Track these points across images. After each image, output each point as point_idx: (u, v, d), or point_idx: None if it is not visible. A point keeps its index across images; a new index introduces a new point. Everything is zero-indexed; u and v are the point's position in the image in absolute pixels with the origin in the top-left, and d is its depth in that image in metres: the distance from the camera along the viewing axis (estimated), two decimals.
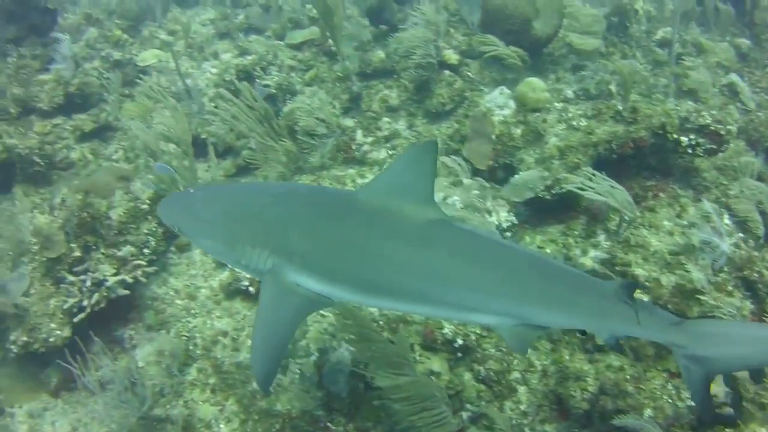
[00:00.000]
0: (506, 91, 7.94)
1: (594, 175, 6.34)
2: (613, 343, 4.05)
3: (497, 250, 3.99)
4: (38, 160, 8.79)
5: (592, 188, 6.25)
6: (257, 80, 8.70)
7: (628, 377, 5.67)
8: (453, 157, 7.25)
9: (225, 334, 6.70)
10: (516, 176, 7.08)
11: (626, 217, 6.35)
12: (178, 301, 7.15)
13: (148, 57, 10.15)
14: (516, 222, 6.80)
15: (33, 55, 10.20)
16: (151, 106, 8.84)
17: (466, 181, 6.90)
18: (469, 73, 8.44)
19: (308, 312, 4.11)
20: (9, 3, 10.16)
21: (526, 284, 3.93)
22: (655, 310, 4.09)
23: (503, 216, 6.68)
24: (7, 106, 9.48)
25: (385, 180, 3.88)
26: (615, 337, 4.02)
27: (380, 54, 8.79)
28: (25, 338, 6.60)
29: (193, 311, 7.04)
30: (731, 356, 4.00)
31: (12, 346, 6.63)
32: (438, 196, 6.59)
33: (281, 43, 9.63)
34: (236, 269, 4.83)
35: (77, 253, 6.83)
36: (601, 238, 6.75)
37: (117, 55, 10.17)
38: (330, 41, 8.87)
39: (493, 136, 7.46)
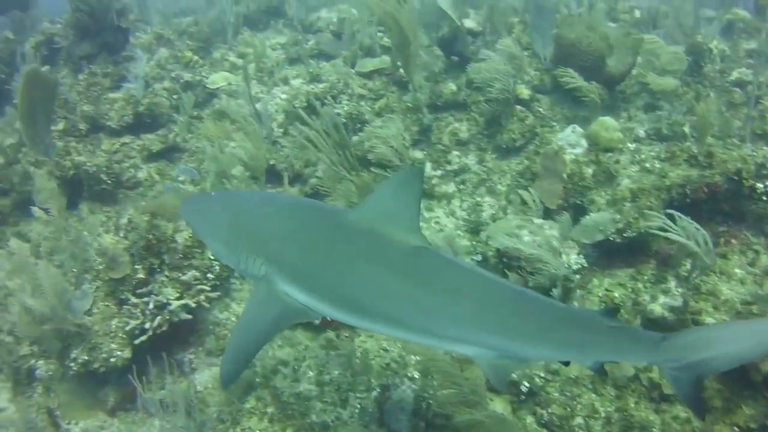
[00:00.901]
0: (579, 129, 8.06)
1: (679, 217, 6.28)
2: (596, 368, 4.07)
3: (477, 280, 4.06)
4: (105, 178, 9.05)
5: (676, 230, 6.22)
6: (326, 107, 8.91)
7: (695, 430, 5.73)
8: (531, 191, 7.39)
9: (285, 363, 6.83)
10: (586, 217, 7.17)
11: (702, 264, 6.34)
12: None
13: (217, 80, 10.46)
14: (585, 264, 6.86)
15: (104, 72, 10.43)
16: (230, 128, 9.13)
17: (537, 220, 7.03)
18: (541, 109, 8.59)
19: (290, 320, 4.33)
20: (86, 20, 10.53)
21: (504, 316, 4.01)
22: (638, 333, 4.26)
23: (573, 258, 6.75)
24: (77, 123, 9.75)
25: (374, 203, 4.05)
26: (599, 363, 4.07)
27: (451, 86, 8.99)
28: (85, 357, 6.81)
29: None
30: (719, 356, 4.03)
31: (72, 364, 6.83)
32: (510, 236, 6.76)
33: (352, 70, 9.85)
34: (236, 272, 5.15)
35: (141, 275, 7.04)
36: (672, 284, 6.78)
37: (187, 76, 10.48)
38: (401, 71, 9.12)
39: (564, 175, 7.59)
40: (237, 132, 8.81)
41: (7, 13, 12.66)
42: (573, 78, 8.26)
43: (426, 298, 3.97)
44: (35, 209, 8.18)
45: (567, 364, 4.48)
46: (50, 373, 7.14)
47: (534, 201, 7.22)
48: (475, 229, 7.70)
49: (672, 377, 4.14)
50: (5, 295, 8.17)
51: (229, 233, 4.44)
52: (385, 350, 6.81)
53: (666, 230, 6.27)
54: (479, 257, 7.12)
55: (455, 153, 8.47)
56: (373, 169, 8.13)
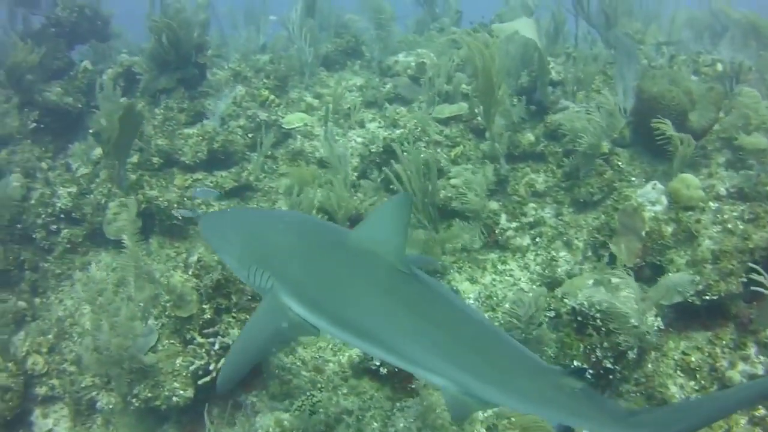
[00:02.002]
0: (659, 186, 8.12)
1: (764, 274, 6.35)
2: (561, 430, 4.07)
3: (452, 312, 4.27)
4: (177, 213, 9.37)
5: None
6: (405, 154, 9.17)
7: None
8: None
9: (350, 413, 7.01)
10: (665, 277, 7.22)
11: None
12: (304, 373, 7.52)
13: (293, 120, 10.74)
14: (662, 326, 6.91)
15: (180, 107, 10.82)
16: (317, 172, 9.42)
17: (615, 279, 7.17)
18: (619, 163, 8.72)
19: (291, 333, 4.59)
20: (170, 53, 11.02)
21: (469, 354, 4.12)
22: (603, 402, 4.12)
23: (650, 320, 6.78)
24: (151, 157, 10.12)
25: (370, 225, 4.34)
26: (564, 426, 4.05)
27: (529, 136, 9.22)
28: (148, 393, 7.06)
29: (319, 385, 7.37)
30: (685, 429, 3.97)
31: (134, 399, 7.10)
32: (582, 295, 6.95)
33: (428, 116, 10.07)
34: (246, 285, 5.50)
35: (208, 315, 7.27)
36: (752, 350, 6.84)
37: (263, 115, 10.77)
38: (479, 118, 9.38)
39: (643, 233, 7.67)
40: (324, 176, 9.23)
41: (86, 43, 13.23)
42: (668, 127, 8.22)
43: (403, 323, 4.21)
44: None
45: None
46: (111, 405, 7.50)
47: (620, 259, 7.43)
48: (549, 284, 7.88)
49: None
50: (71, 324, 8.67)
51: (240, 248, 4.79)
52: None
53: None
54: (552, 313, 7.29)
55: (531, 205, 8.70)
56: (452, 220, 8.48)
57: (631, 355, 6.62)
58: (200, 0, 12.05)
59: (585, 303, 6.91)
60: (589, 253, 8.00)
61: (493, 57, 8.30)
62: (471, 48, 8.40)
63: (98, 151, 10.29)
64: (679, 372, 6.75)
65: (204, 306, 7.31)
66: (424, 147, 9.30)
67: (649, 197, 8.05)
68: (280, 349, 7.38)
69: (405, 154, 8.45)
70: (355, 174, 9.58)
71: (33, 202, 9.99)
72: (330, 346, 7.83)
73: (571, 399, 3.93)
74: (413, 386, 7.12)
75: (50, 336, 8.63)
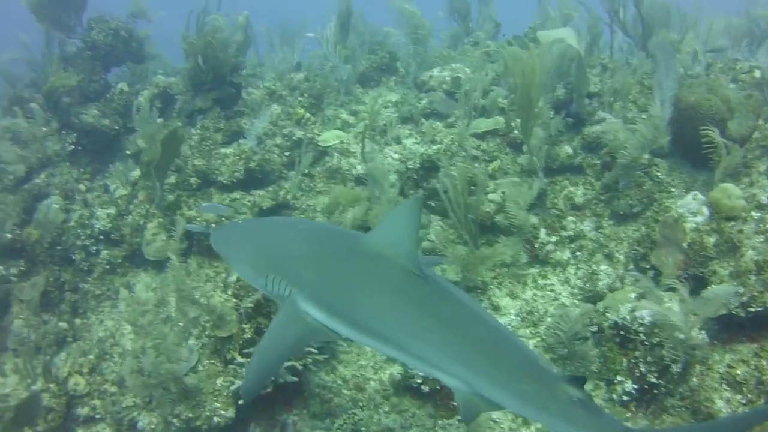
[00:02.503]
0: (700, 196, 8.11)
1: None
2: None
3: (463, 313, 4.37)
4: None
5: None
6: (442, 169, 9.27)
7: None
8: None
9: (391, 431, 7.10)
10: (708, 290, 7.17)
11: None
12: (345, 391, 7.61)
13: (329, 138, 10.84)
14: (706, 339, 6.90)
15: (216, 127, 11.00)
16: (360, 194, 9.48)
17: (658, 291, 7.18)
18: (659, 174, 8.71)
19: (311, 339, 4.90)
20: (206, 74, 11.21)
21: (477, 355, 4.24)
22: (601, 414, 4.13)
23: (694, 333, 6.75)
24: (188, 177, 10.28)
25: (383, 230, 4.49)
26: None
27: (567, 149, 9.24)
28: (189, 414, 7.13)
29: (360, 403, 7.48)
30: None
31: (174, 420, 7.17)
32: (625, 308, 6.98)
33: (465, 131, 10.08)
34: (263, 293, 5.63)
35: (249, 335, 7.33)
36: None
37: (299, 133, 10.89)
38: (515, 132, 9.45)
39: (685, 245, 7.67)
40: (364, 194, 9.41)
41: (122, 65, 13.47)
42: (715, 134, 8.19)
43: (416, 324, 4.34)
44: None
45: None
46: (152, 426, 7.56)
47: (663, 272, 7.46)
48: (590, 298, 7.91)
49: None
50: (111, 345, 8.83)
51: (255, 257, 4.94)
52: (495, 422, 7.04)
53: None
54: (594, 328, 7.30)
55: (570, 218, 8.73)
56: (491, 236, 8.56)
57: (676, 369, 6.62)
58: (240, 19, 12.26)
59: (628, 317, 6.94)
60: (631, 266, 7.99)
61: (534, 70, 8.40)
62: (512, 60, 8.47)
63: (136, 173, 10.47)
64: (725, 386, 6.70)
65: (244, 326, 7.39)
66: (462, 162, 9.33)
67: (690, 208, 8.04)
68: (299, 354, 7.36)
69: (450, 169, 8.58)
70: (393, 190, 9.63)
71: (72, 223, 10.19)
72: (371, 364, 7.91)
73: (569, 407, 3.99)
74: (455, 403, 7.17)
75: (91, 357, 8.79)
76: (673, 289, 7.01)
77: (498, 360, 4.23)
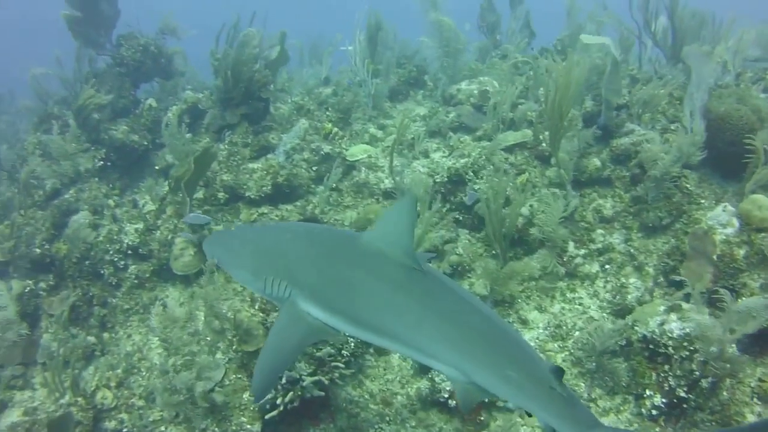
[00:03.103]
0: (730, 208, 8.08)
1: None
2: (547, 430, 4.32)
3: (459, 304, 4.54)
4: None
5: None
6: (468, 184, 9.34)
7: None
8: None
9: None
10: (738, 302, 7.07)
11: None
12: (372, 406, 7.67)
13: (357, 152, 10.91)
14: (737, 352, 6.84)
15: (244, 142, 11.12)
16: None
17: (686, 304, 7.15)
18: (688, 185, 8.63)
19: (313, 338, 4.92)
20: (234, 90, 11.32)
21: (471, 343, 4.44)
22: (577, 406, 4.33)
23: (728, 347, 6.69)
24: (216, 192, 10.37)
25: (380, 228, 4.64)
26: (549, 426, 4.30)
27: (595, 161, 9.24)
28: (215, 429, 7.24)
29: (387, 418, 7.53)
30: None
31: None
32: (654, 321, 6.96)
33: (491, 144, 10.13)
34: (262, 296, 5.70)
35: None
36: None
37: (327, 148, 10.95)
38: (543, 144, 9.46)
39: (714, 257, 7.65)
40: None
41: (151, 81, 13.67)
42: (759, 142, 8.13)
43: (415, 316, 4.52)
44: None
45: (529, 414, 4.64)
46: None
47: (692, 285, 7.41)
48: (619, 311, 7.89)
49: None
50: (139, 359, 8.93)
51: (253, 261, 5.06)
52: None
53: None
54: (623, 341, 7.28)
55: (599, 231, 8.72)
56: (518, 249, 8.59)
57: (705, 383, 6.59)
58: (278, 37, 12.46)
59: (657, 330, 6.93)
60: (660, 279, 7.97)
61: (568, 83, 8.44)
62: (545, 73, 8.50)
63: (165, 188, 10.60)
64: (756, 399, 6.65)
65: None
66: (489, 175, 9.37)
67: (720, 220, 8.02)
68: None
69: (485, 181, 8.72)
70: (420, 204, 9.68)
71: (101, 238, 10.31)
72: (398, 379, 7.95)
73: (549, 396, 4.20)
74: (482, 418, 7.20)
75: (119, 371, 8.90)
76: (701, 302, 7.01)
77: (494, 350, 4.43)
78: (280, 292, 4.81)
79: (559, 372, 4.20)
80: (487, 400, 7.27)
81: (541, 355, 7.03)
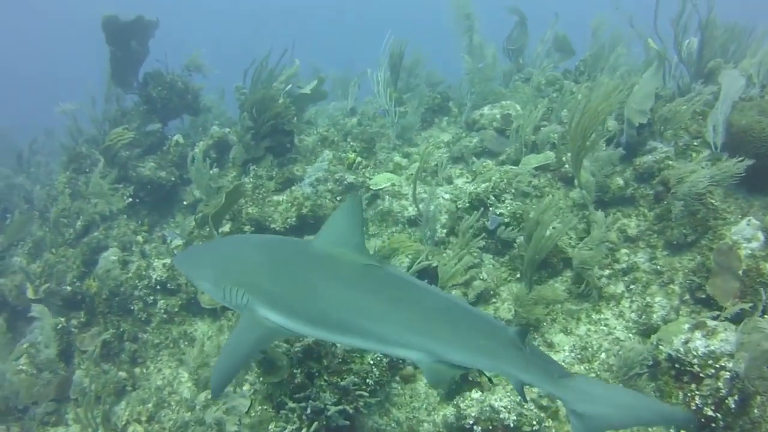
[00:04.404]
0: (754, 221, 7.95)
1: None
2: (518, 390, 4.67)
3: (416, 291, 4.84)
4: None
5: None
6: (491, 209, 9.32)
7: None
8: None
9: None
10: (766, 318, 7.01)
11: None
12: None
13: (380, 181, 10.95)
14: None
15: (269, 175, 11.27)
16: (418, 247, 9.41)
17: (711, 322, 7.06)
18: (713, 201, 8.51)
19: (270, 340, 5.38)
20: (261, 124, 11.49)
21: (437, 324, 4.71)
22: (544, 360, 4.76)
23: None
24: (242, 226, 10.42)
25: (329, 230, 4.91)
26: (519, 384, 4.65)
27: (618, 180, 9.18)
28: None
29: None
30: (603, 416, 4.56)
31: None
32: (678, 340, 6.87)
33: (516, 168, 10.16)
34: (224, 305, 5.91)
35: (299, 380, 7.34)
36: None
37: (350, 178, 11.03)
38: (566, 166, 9.43)
39: (740, 272, 7.54)
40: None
41: (178, 117, 13.87)
42: None
43: (374, 310, 4.81)
44: None
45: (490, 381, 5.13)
46: None
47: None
48: (645, 331, 7.81)
49: (569, 416, 4.76)
50: (169, 393, 9.01)
51: (213, 272, 5.32)
52: None
53: None
54: (650, 362, 7.21)
55: (624, 251, 8.65)
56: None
57: (731, 401, 6.49)
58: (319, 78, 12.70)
59: (681, 349, 6.85)
60: (686, 297, 7.88)
61: (596, 107, 8.48)
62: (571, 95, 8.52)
63: (192, 223, 10.72)
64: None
65: (295, 371, 7.44)
66: (511, 199, 9.37)
67: (744, 234, 7.88)
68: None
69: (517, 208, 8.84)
70: (444, 231, 9.71)
71: (130, 275, 10.43)
72: (424, 406, 7.91)
73: (518, 355, 4.57)
74: None
75: (149, 405, 8.99)
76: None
77: (455, 325, 4.71)
78: (239, 299, 5.05)
79: (523, 332, 4.57)
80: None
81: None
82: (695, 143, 9.27)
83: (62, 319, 10.33)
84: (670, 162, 8.90)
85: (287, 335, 5.27)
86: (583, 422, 4.65)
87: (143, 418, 8.83)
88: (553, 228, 8.53)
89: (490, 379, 4.93)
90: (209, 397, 8.13)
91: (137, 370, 9.74)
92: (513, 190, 9.54)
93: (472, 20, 13.86)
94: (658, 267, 8.37)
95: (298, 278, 5.06)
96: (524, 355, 4.56)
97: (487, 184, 9.71)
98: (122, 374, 9.54)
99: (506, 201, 9.40)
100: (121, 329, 10.07)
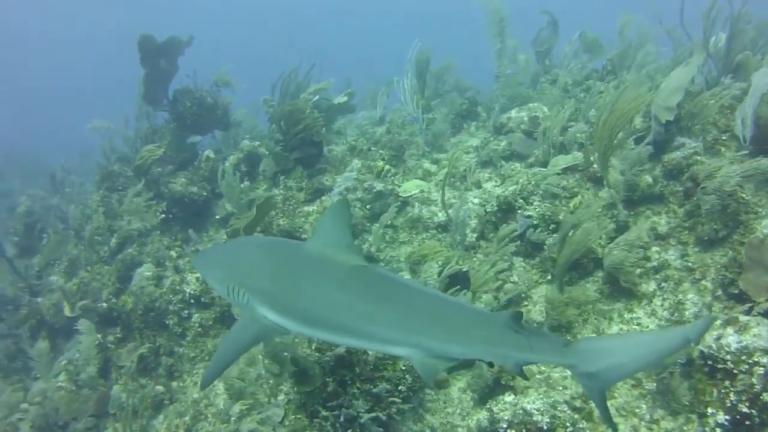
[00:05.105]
0: None
1: None
2: (518, 371, 4.72)
3: (405, 290, 5.04)
4: None
5: None
6: (519, 211, 9.32)
7: None
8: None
9: None
10: None
11: None
12: None
13: (409, 188, 11.01)
14: None
15: (299, 186, 11.41)
16: (447, 253, 9.43)
17: (743, 317, 6.99)
18: (744, 195, 8.38)
19: (266, 337, 5.71)
20: (290, 136, 11.59)
21: (428, 320, 4.86)
22: (544, 336, 4.93)
23: None
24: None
25: (320, 234, 5.13)
26: (518, 365, 4.73)
27: (647, 178, 9.09)
28: None
29: None
30: (615, 367, 4.62)
31: None
32: (711, 336, 6.80)
33: (543, 169, 10.14)
34: (229, 302, 6.52)
35: (332, 388, 7.45)
36: None
37: (379, 186, 11.08)
38: (595, 166, 9.39)
39: None
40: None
41: (208, 133, 14.01)
42: None
43: (365, 309, 4.97)
44: None
45: (491, 365, 5.03)
46: None
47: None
48: None
49: (579, 382, 4.89)
50: (206, 406, 9.09)
51: (221, 273, 5.63)
52: None
53: None
54: (683, 359, 7.13)
55: (654, 249, 8.58)
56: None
57: (767, 397, 6.41)
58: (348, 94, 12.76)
59: (714, 345, 6.77)
60: (719, 292, 7.79)
61: (624, 106, 8.47)
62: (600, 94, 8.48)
63: (224, 237, 10.82)
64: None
65: (327, 379, 7.54)
66: (539, 201, 9.36)
67: None
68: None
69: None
70: (475, 235, 9.72)
71: (164, 290, 10.57)
72: (458, 411, 7.91)
73: (520, 338, 4.67)
74: None
75: (186, 418, 9.07)
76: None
77: (446, 319, 4.87)
78: (240, 298, 5.32)
79: (518, 315, 4.70)
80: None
81: None
82: (724, 137, 9.15)
83: (99, 336, 10.45)
84: (699, 157, 8.81)
85: (284, 333, 5.32)
86: (596, 380, 4.71)
87: (181, 431, 8.91)
88: (585, 229, 8.49)
89: (523, 375, 4.94)
90: (243, 408, 8.20)
91: (174, 383, 9.85)
92: (541, 192, 9.52)
93: (504, 24, 13.89)
94: (690, 264, 8.26)
95: (291, 279, 5.26)
96: (522, 336, 4.68)
97: (515, 186, 9.72)
98: (159, 388, 9.65)
99: (534, 203, 9.40)
100: (157, 344, 10.22)
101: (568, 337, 8.15)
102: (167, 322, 10.34)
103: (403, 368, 7.75)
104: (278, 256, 5.59)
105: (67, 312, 11.05)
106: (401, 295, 4.99)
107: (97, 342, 10.35)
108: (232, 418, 8.37)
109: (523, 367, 4.75)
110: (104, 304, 10.66)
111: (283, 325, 5.18)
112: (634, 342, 4.84)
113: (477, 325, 4.83)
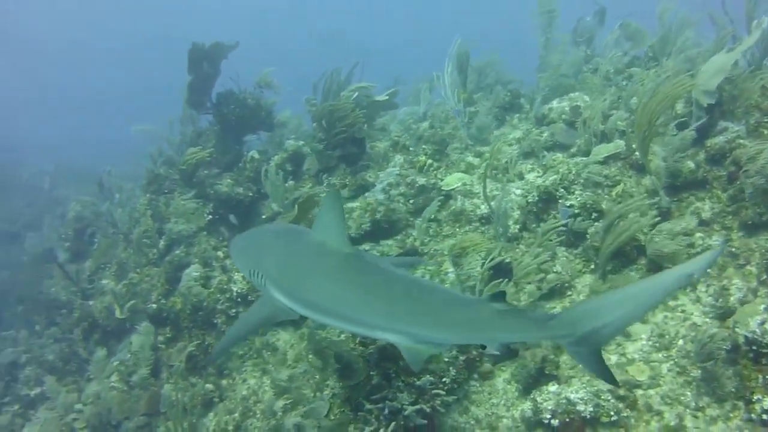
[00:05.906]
0: None
1: None
2: (502, 351, 5.04)
3: (393, 278, 5.29)
4: None
5: None
6: (560, 201, 9.31)
7: None
8: None
9: None
10: None
11: None
12: (478, 431, 7.69)
13: (452, 181, 11.08)
14: None
15: (342, 183, 11.51)
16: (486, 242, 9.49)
17: None
18: None
19: (277, 318, 5.78)
20: (333, 134, 11.68)
21: (414, 307, 5.11)
22: (528, 314, 5.29)
23: None
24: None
25: (319, 224, 5.50)
26: (502, 345, 4.98)
27: (689, 164, 9.00)
28: None
29: None
30: (607, 324, 4.68)
31: None
32: (754, 321, 6.74)
33: (585, 159, 10.13)
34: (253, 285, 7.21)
35: (376, 381, 7.56)
36: None
37: (422, 180, 11.18)
38: (636, 154, 9.33)
39: None
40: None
41: (253, 134, 14.18)
42: None
43: (354, 295, 5.34)
44: None
45: (483, 347, 5.41)
46: None
47: None
48: (722, 315, 7.66)
49: (572, 353, 4.96)
50: (254, 402, 9.23)
51: (246, 257, 6.25)
52: None
53: None
54: (728, 345, 7.07)
55: (698, 234, 8.50)
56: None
57: None
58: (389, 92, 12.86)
59: (758, 330, 6.71)
60: (764, 277, 7.70)
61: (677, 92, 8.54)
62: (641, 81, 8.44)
63: None
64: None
65: (372, 372, 7.65)
66: (581, 190, 9.34)
67: None
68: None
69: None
70: (517, 227, 9.73)
71: (212, 289, 10.72)
72: (502, 402, 7.92)
73: (501, 319, 4.82)
74: None
75: (236, 415, 9.20)
76: None
77: (432, 306, 5.08)
78: (259, 281, 5.88)
79: (501, 295, 4.84)
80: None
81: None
82: (766, 120, 9.03)
83: (150, 336, 10.65)
84: (742, 141, 8.71)
85: (294, 316, 5.64)
86: (587, 344, 4.78)
87: (230, 428, 9.05)
88: (629, 218, 8.47)
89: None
90: (287, 403, 8.37)
91: (224, 381, 9.97)
92: (582, 181, 9.48)
93: (553, 16, 13.90)
94: (734, 249, 8.17)
95: (296, 265, 5.71)
96: (507, 318, 4.82)
97: (555, 176, 9.71)
98: (209, 386, 9.78)
99: (576, 192, 9.37)
100: (206, 342, 10.35)
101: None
102: (215, 321, 10.47)
103: (446, 360, 7.84)
104: (289, 242, 6.05)
105: (117, 314, 11.29)
106: (388, 283, 5.25)
107: (149, 343, 10.56)
108: (278, 413, 8.51)
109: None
110: (154, 305, 10.85)
111: (292, 308, 5.57)
112: (621, 297, 4.76)
113: (460, 311, 5.04)
